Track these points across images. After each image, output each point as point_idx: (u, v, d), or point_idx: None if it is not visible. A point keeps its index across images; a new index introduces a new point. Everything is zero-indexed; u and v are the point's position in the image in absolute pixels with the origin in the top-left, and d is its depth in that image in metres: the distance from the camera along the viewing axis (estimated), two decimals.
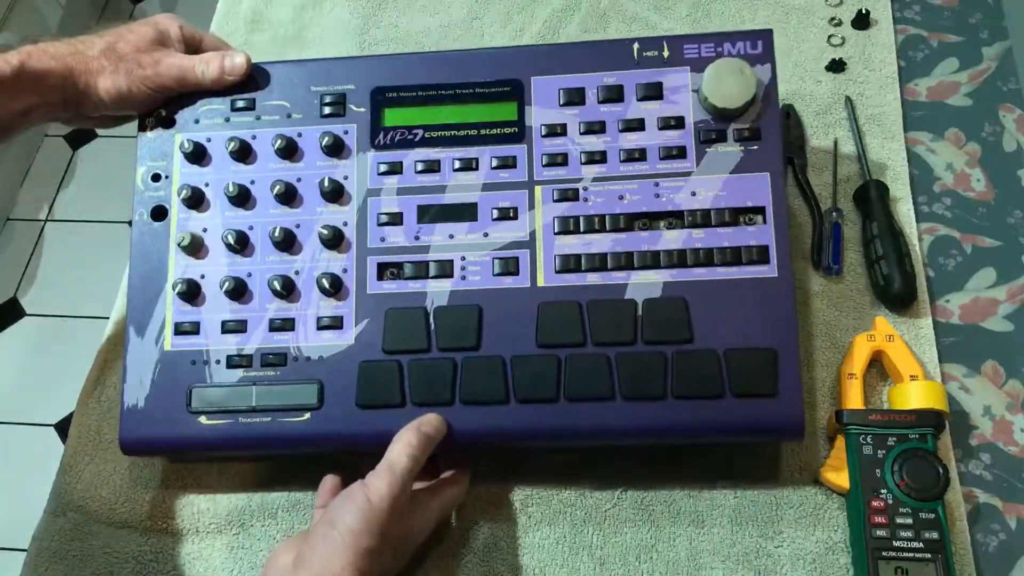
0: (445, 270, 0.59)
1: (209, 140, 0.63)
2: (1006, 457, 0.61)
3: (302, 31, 0.87)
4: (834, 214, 0.69)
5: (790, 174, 0.72)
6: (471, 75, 0.62)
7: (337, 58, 0.65)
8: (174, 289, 0.60)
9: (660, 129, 0.60)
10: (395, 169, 0.61)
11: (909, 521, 0.54)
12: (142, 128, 0.63)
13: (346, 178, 0.61)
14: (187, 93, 0.63)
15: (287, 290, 0.60)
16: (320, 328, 0.59)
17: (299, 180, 0.62)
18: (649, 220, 0.59)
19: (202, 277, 0.61)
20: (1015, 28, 0.78)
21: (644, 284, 0.57)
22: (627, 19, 0.83)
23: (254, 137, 0.62)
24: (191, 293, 0.60)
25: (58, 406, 1.58)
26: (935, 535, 0.54)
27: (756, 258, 0.57)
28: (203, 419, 0.58)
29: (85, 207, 1.84)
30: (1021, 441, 0.61)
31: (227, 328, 0.60)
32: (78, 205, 1.85)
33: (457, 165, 0.60)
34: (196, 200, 0.62)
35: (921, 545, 0.54)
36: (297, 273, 0.60)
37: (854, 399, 0.60)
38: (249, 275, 0.61)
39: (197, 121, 0.63)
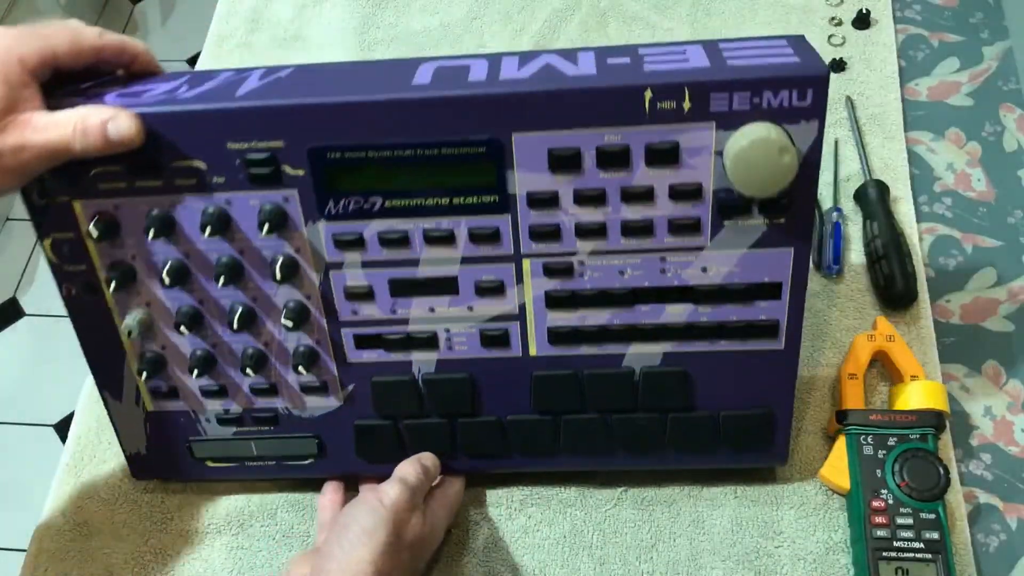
0: (429, 343, 0.54)
1: (118, 208, 0.50)
2: (1007, 457, 0.61)
3: (302, 31, 0.87)
4: (834, 214, 0.69)
5: None
6: (433, 131, 0.47)
7: (250, 106, 0.47)
8: (139, 375, 0.55)
9: (671, 199, 0.49)
10: (355, 243, 0.51)
11: (910, 521, 0.54)
12: (29, 200, 0.51)
13: (299, 251, 0.51)
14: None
15: (261, 365, 0.55)
16: (305, 392, 0.56)
17: (242, 253, 0.52)
18: (652, 295, 0.52)
19: (163, 348, 0.55)
20: (1015, 28, 0.78)
21: (643, 354, 0.54)
22: (627, 19, 0.83)
23: (173, 205, 0.50)
24: (158, 368, 0.55)
25: (58, 406, 1.58)
26: (935, 535, 0.54)
27: (764, 334, 0.53)
28: (209, 463, 0.60)
29: None
30: (1022, 441, 0.61)
31: (207, 393, 0.57)
32: None
33: (429, 238, 0.50)
34: (128, 278, 0.52)
35: (922, 545, 0.53)
36: (267, 345, 0.55)
37: (854, 399, 0.60)
38: (215, 346, 0.55)
39: (96, 186, 0.50)
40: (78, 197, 0.50)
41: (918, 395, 0.58)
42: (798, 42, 0.48)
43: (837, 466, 0.58)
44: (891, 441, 0.57)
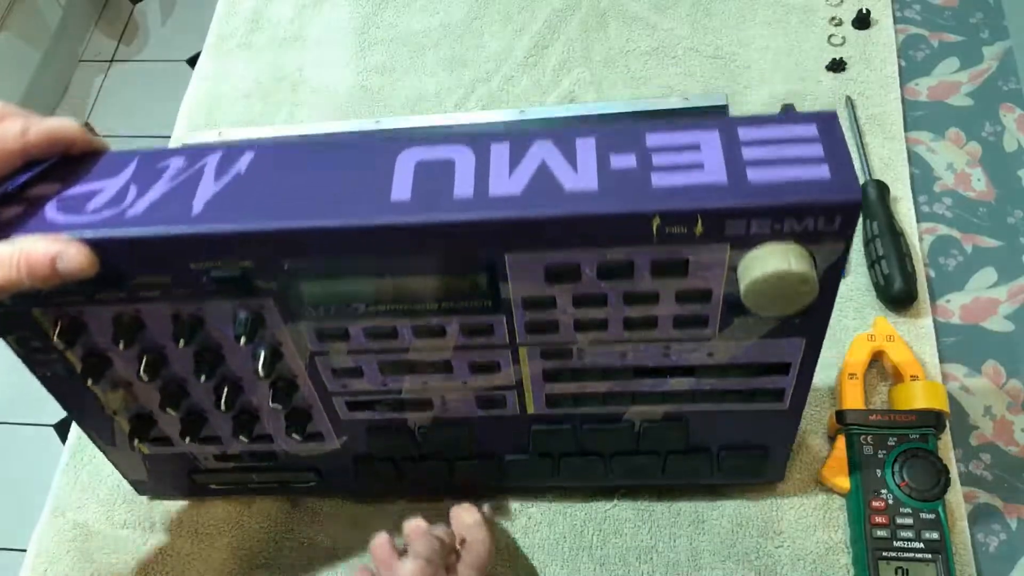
0: (423, 406, 0.52)
1: (82, 313, 0.46)
2: (1007, 457, 0.61)
3: (302, 31, 0.87)
4: None
5: None
6: (417, 253, 0.42)
7: (209, 232, 0.42)
8: (130, 438, 0.54)
9: (678, 302, 0.44)
10: (340, 336, 0.47)
11: (909, 521, 0.54)
12: None
13: (281, 344, 0.48)
14: None
15: (251, 425, 0.53)
16: (300, 441, 0.55)
17: (220, 347, 0.48)
18: (655, 372, 0.49)
19: (151, 414, 0.54)
20: (1015, 28, 0.78)
21: (644, 412, 0.52)
22: (627, 19, 0.83)
23: (139, 310, 0.46)
24: (148, 427, 0.54)
25: (58, 406, 1.57)
26: (935, 535, 0.54)
27: (769, 398, 0.50)
28: (213, 486, 0.60)
29: None
30: (1022, 441, 0.61)
31: (201, 441, 0.55)
32: None
33: (419, 331, 0.47)
34: (104, 365, 0.49)
35: (921, 545, 0.53)
36: (258, 409, 0.53)
37: (854, 399, 0.60)
38: (204, 411, 0.53)
39: (53, 299, 0.45)
40: (35, 307, 0.46)
41: (918, 395, 0.58)
42: (829, 131, 0.42)
43: (837, 466, 0.58)
44: (891, 441, 0.57)
